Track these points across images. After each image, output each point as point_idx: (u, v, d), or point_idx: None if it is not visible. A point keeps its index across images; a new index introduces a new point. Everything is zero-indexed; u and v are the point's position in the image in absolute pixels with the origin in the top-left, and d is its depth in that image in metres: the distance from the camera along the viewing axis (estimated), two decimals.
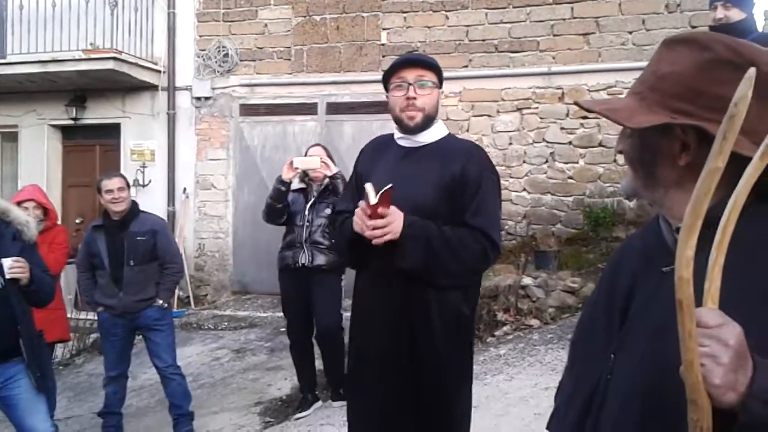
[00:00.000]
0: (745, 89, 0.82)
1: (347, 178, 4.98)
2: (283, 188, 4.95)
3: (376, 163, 2.71)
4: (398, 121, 2.64)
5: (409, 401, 2.54)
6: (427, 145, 2.63)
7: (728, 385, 0.86)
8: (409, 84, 2.56)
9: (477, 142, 8.25)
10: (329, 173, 4.96)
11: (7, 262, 3.28)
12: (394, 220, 2.39)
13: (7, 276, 3.28)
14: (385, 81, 2.67)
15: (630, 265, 1.25)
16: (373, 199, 2.35)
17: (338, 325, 5.15)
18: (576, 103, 1.28)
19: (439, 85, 2.64)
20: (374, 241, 2.41)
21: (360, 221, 2.44)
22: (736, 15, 3.99)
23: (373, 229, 2.39)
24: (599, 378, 1.19)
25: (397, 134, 2.72)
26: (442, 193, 2.52)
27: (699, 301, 0.89)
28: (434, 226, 2.46)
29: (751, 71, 0.83)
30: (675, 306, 0.88)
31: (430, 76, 2.59)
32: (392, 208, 2.40)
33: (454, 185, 2.52)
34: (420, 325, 2.51)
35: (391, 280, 2.53)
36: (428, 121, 2.61)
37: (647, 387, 1.06)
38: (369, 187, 2.40)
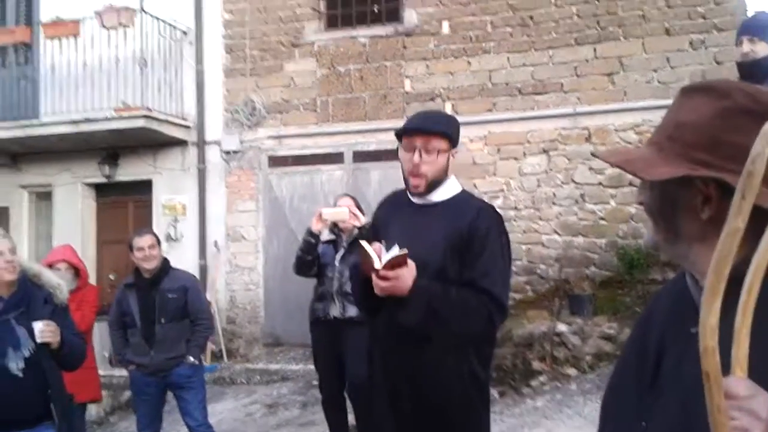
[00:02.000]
0: (761, 146, 0.79)
1: None
2: (312, 240, 4.93)
3: (391, 217, 2.73)
4: (405, 182, 2.66)
5: None
6: (437, 204, 2.61)
7: None
8: (416, 147, 2.54)
9: (504, 186, 8.39)
10: (358, 224, 4.93)
11: (38, 326, 3.27)
12: (400, 278, 2.36)
13: (39, 340, 3.27)
14: (398, 136, 2.67)
15: (659, 322, 1.21)
16: (378, 264, 2.35)
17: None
18: (593, 155, 1.25)
19: (452, 145, 2.61)
20: (377, 291, 2.41)
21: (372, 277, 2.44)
22: (762, 50, 3.93)
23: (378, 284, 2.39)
24: None
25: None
26: (449, 252, 2.50)
27: (727, 367, 0.85)
28: (439, 287, 2.42)
29: (767, 127, 0.79)
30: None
31: (437, 143, 2.54)
32: (408, 265, 2.38)
33: (461, 243, 2.49)
34: (422, 385, 2.49)
35: (394, 337, 2.55)
36: (434, 186, 2.59)
37: None
38: (368, 248, 2.40)
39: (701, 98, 1.09)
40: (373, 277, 2.37)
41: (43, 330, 3.27)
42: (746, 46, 3.97)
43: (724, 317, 0.84)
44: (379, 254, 2.37)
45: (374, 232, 2.80)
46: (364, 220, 4.95)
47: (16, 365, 3.24)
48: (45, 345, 3.29)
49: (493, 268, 2.45)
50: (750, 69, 3.83)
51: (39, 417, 3.33)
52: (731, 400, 0.82)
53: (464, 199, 2.63)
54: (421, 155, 2.53)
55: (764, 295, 0.85)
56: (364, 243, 2.43)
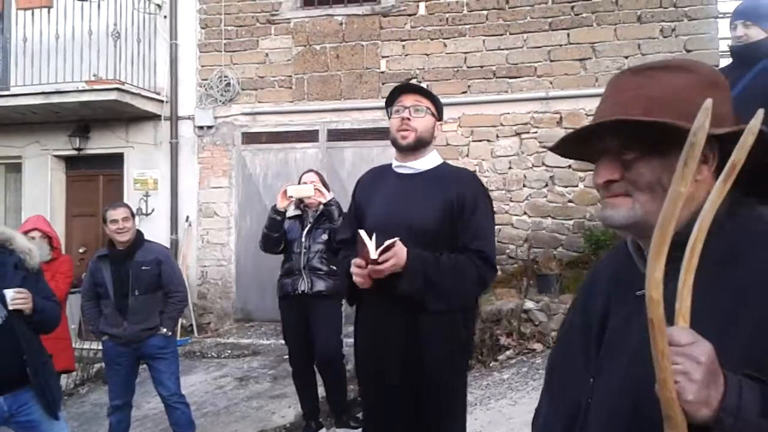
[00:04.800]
0: (702, 119, 0.87)
1: (342, 205, 5.07)
2: (278, 217, 4.96)
3: (374, 191, 2.83)
4: (393, 142, 2.78)
5: (412, 425, 2.60)
6: (424, 172, 2.72)
7: (701, 400, 0.89)
8: (406, 107, 2.70)
9: (476, 167, 8.47)
10: (324, 200, 4.97)
11: (9, 294, 3.27)
12: (395, 256, 2.47)
13: (11, 307, 3.28)
14: (388, 107, 2.82)
15: (602, 289, 1.27)
16: (374, 254, 2.45)
17: (339, 351, 5.16)
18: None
19: (437, 116, 2.77)
20: (375, 276, 2.51)
21: (360, 278, 2.54)
22: (756, 34, 3.93)
23: (377, 271, 2.48)
24: (579, 404, 1.20)
25: (395, 162, 2.84)
26: (442, 216, 2.62)
27: (671, 320, 0.93)
28: (432, 256, 2.53)
29: (708, 102, 0.88)
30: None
31: (426, 103, 2.74)
32: (396, 244, 2.48)
33: (452, 209, 2.61)
34: (417, 351, 2.58)
35: (390, 308, 2.63)
36: (421, 144, 2.73)
37: (629, 411, 1.08)
38: (365, 238, 2.49)
39: (670, 75, 1.14)
40: (370, 265, 2.48)
41: (15, 297, 3.27)
42: (740, 30, 3.98)
43: (670, 281, 0.92)
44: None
45: (356, 206, 2.90)
46: (329, 195, 4.99)
47: None
48: (17, 311, 3.29)
49: (483, 231, 2.60)
50: (742, 53, 3.84)
51: (16, 381, 3.34)
52: (674, 347, 0.90)
53: (449, 167, 2.80)
54: (410, 113, 2.70)
55: (703, 258, 0.94)
56: (362, 233, 2.53)
